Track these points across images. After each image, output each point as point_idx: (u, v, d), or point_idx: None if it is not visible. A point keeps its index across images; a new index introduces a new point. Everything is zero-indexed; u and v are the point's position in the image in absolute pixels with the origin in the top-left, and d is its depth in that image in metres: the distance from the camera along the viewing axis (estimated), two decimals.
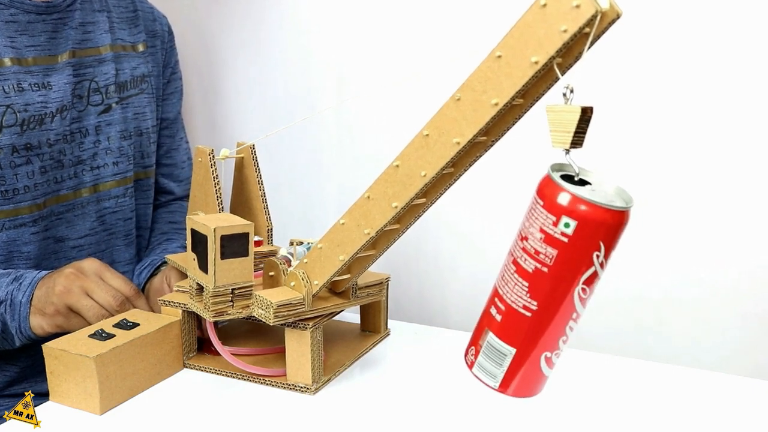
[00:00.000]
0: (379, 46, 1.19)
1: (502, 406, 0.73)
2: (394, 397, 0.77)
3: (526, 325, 0.52)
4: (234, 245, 0.70)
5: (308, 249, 0.84)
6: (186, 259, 0.89)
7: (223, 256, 0.70)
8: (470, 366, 0.56)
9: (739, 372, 0.81)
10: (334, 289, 0.79)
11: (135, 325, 0.78)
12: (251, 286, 0.74)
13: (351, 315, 0.95)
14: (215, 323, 0.87)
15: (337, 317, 0.90)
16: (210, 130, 1.40)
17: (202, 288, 0.74)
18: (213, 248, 0.69)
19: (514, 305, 0.52)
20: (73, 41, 0.98)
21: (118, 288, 0.85)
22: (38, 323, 0.85)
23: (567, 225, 0.48)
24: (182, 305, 0.81)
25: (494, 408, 0.73)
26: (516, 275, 0.52)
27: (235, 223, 0.71)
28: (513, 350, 0.53)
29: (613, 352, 0.87)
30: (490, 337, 0.54)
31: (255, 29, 1.30)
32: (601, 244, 0.48)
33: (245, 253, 0.72)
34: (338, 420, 0.72)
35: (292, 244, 0.87)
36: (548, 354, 0.53)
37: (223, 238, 0.70)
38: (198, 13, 1.35)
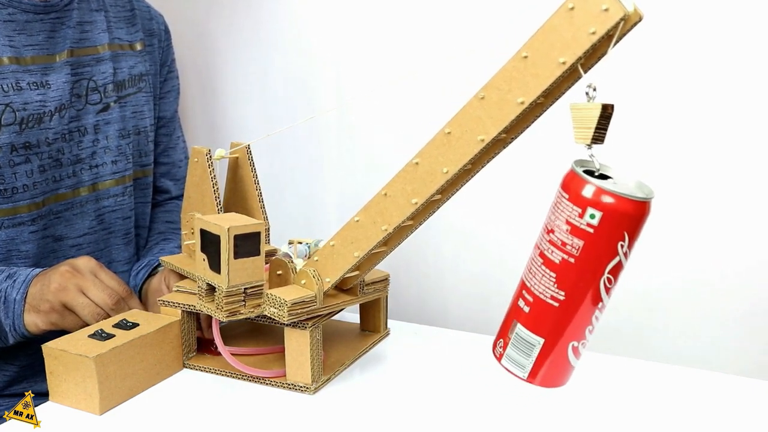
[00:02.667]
0: (378, 45, 1.18)
1: (502, 405, 0.74)
2: (394, 396, 0.77)
3: (554, 315, 0.54)
4: (246, 245, 0.70)
5: (308, 248, 0.84)
6: (181, 259, 0.89)
7: (236, 255, 0.70)
8: (499, 358, 0.58)
9: (738, 372, 0.81)
10: (341, 286, 0.80)
11: (135, 325, 0.78)
12: (262, 285, 0.74)
13: (351, 315, 0.95)
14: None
15: (336, 317, 0.90)
16: (209, 130, 1.40)
17: (213, 288, 0.73)
18: (227, 248, 0.69)
19: (542, 296, 0.54)
20: (71, 40, 0.98)
21: (112, 287, 0.85)
22: (32, 321, 0.85)
23: (592, 216, 0.50)
24: (182, 305, 0.80)
25: (494, 408, 0.73)
26: (543, 267, 0.54)
27: (247, 223, 0.71)
28: (541, 340, 0.55)
29: (613, 352, 0.87)
30: (519, 329, 0.56)
31: (254, 29, 1.30)
32: (626, 234, 0.51)
33: (257, 253, 0.72)
34: (338, 420, 0.72)
35: (291, 243, 0.87)
36: (575, 343, 0.55)
37: (237, 237, 0.69)
38: (197, 12, 1.35)
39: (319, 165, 1.29)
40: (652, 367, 0.83)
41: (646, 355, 0.89)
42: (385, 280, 0.86)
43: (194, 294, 0.82)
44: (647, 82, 0.99)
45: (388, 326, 0.93)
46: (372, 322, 0.91)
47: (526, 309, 0.55)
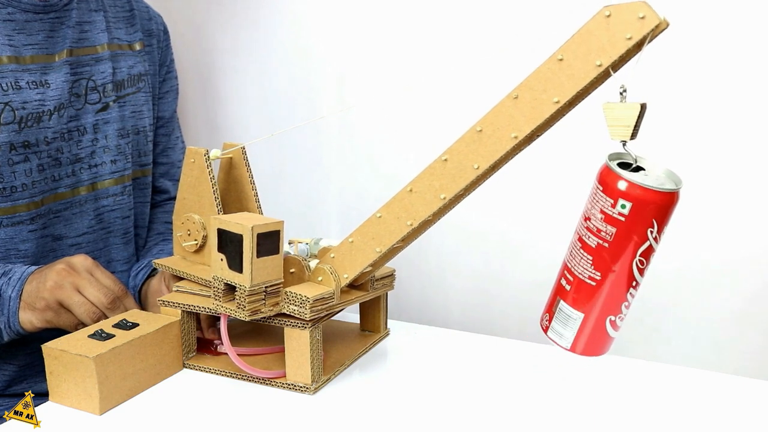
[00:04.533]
0: (379, 45, 1.19)
1: (502, 405, 0.74)
2: (394, 396, 0.77)
3: (592, 293, 0.61)
4: (267, 243, 0.71)
5: (308, 248, 0.84)
6: (176, 261, 0.88)
7: (258, 254, 0.70)
8: (545, 330, 0.66)
9: (738, 372, 0.81)
10: (354, 282, 0.80)
11: (134, 325, 0.77)
12: (281, 283, 0.74)
13: (351, 315, 0.95)
14: (215, 323, 0.87)
15: (337, 317, 0.90)
16: (208, 131, 1.40)
17: (231, 288, 0.73)
18: (250, 247, 0.69)
19: (581, 276, 0.61)
20: (71, 40, 0.98)
21: (108, 286, 0.85)
22: (27, 318, 0.85)
23: (623, 206, 0.57)
24: (182, 305, 0.80)
25: (494, 407, 0.73)
26: (582, 251, 0.60)
27: (268, 222, 0.71)
28: (581, 315, 0.62)
29: (614, 352, 0.87)
30: (561, 305, 0.63)
31: (254, 29, 1.30)
32: (654, 222, 0.57)
33: (276, 251, 0.72)
34: (338, 420, 0.72)
35: (291, 243, 0.87)
36: (612, 317, 0.62)
37: (259, 236, 0.70)
38: (198, 13, 1.35)
39: (319, 165, 1.29)
40: (652, 367, 0.83)
41: (646, 355, 0.89)
42: (391, 276, 0.87)
43: (194, 294, 0.82)
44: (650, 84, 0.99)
45: (388, 326, 0.93)
46: (372, 322, 0.91)
47: (568, 287, 0.62)
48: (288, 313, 0.74)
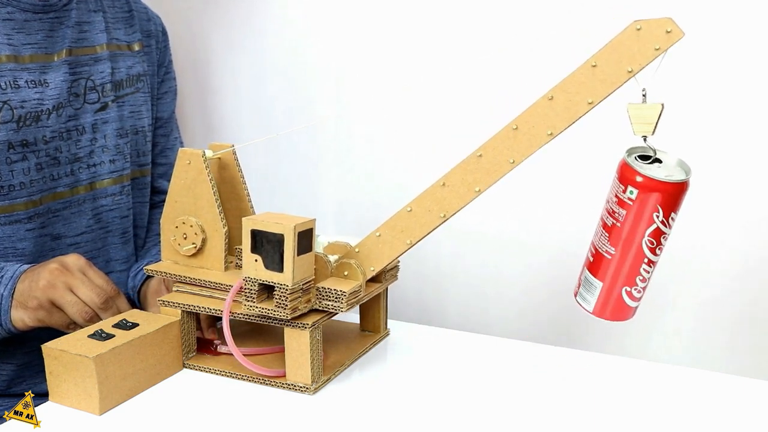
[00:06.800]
0: (377, 47, 1.19)
1: (502, 405, 0.74)
2: (393, 397, 0.77)
3: (608, 265, 0.69)
4: (303, 241, 0.72)
5: None
6: (170, 266, 0.85)
7: (298, 253, 0.71)
8: (575, 295, 0.73)
9: (739, 372, 0.81)
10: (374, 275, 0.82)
11: (134, 325, 0.77)
12: (313, 279, 0.75)
13: (351, 315, 0.95)
14: (215, 323, 0.87)
15: (336, 317, 0.89)
16: (206, 131, 1.40)
17: (265, 288, 0.73)
18: (292, 246, 0.70)
19: (600, 250, 0.69)
20: (70, 40, 0.98)
21: (101, 286, 0.85)
22: (19, 317, 0.85)
23: (631, 192, 0.65)
24: (182, 305, 0.80)
25: (493, 407, 0.73)
26: (602, 228, 0.69)
27: (304, 220, 0.72)
28: (601, 283, 0.70)
29: (614, 352, 0.87)
30: (586, 273, 0.71)
31: (252, 31, 1.30)
32: (659, 207, 0.64)
33: (311, 248, 0.74)
34: (337, 420, 0.72)
35: None
36: (628, 288, 0.69)
37: (299, 234, 0.70)
38: (196, 14, 1.35)
39: (314, 164, 1.29)
40: (652, 367, 0.83)
41: (646, 355, 0.89)
42: (396, 267, 0.88)
43: (194, 294, 0.81)
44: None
45: (388, 326, 0.93)
46: (372, 322, 0.91)
47: (591, 259, 0.71)
48: (321, 308, 0.76)
